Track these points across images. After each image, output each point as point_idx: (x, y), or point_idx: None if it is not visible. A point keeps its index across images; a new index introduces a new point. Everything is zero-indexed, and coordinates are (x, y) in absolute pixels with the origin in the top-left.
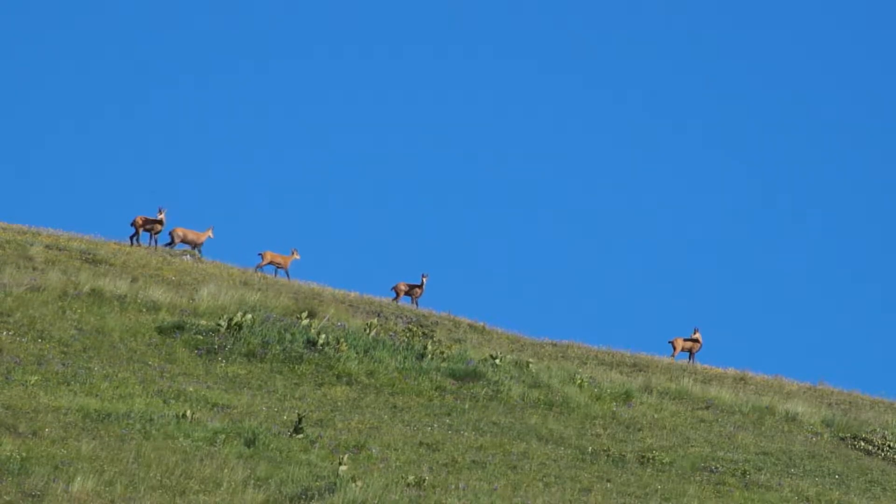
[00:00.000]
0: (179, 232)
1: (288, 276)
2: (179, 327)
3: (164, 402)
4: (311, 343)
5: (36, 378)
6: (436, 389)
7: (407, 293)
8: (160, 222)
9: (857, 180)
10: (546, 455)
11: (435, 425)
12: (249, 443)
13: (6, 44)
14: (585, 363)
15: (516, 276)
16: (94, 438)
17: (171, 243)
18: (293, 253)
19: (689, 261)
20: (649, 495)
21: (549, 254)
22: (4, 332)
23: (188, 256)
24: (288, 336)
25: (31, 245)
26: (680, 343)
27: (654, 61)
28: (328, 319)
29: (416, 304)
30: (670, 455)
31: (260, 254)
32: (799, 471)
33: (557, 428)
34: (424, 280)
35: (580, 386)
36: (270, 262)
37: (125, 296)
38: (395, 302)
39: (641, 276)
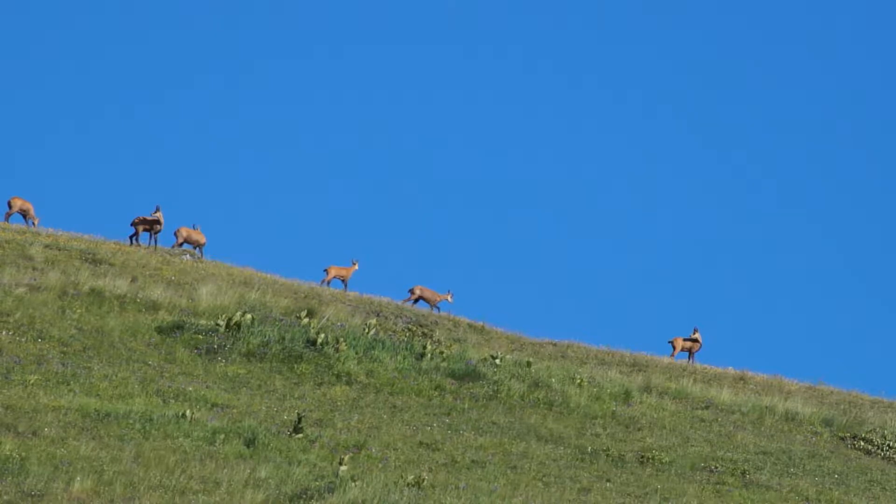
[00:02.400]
0: (183, 232)
1: (346, 287)
2: (179, 327)
3: (164, 401)
4: (311, 343)
5: (36, 378)
6: (435, 389)
7: (423, 298)
8: (158, 221)
9: (858, 180)
10: (546, 455)
11: (434, 425)
12: (249, 442)
13: (6, 44)
14: (585, 363)
15: (516, 276)
16: (93, 438)
17: (176, 243)
18: (354, 265)
19: (689, 261)
20: (649, 495)
21: (550, 253)
22: (4, 332)
23: (188, 256)
24: (287, 336)
25: (31, 245)
26: (680, 343)
27: (655, 61)
28: (328, 319)
29: (415, 304)
30: (670, 455)
31: (325, 269)
32: (798, 470)
33: (557, 428)
34: (450, 299)
35: (580, 386)
36: (336, 276)
37: (125, 296)
38: (404, 303)
39: (641, 276)
